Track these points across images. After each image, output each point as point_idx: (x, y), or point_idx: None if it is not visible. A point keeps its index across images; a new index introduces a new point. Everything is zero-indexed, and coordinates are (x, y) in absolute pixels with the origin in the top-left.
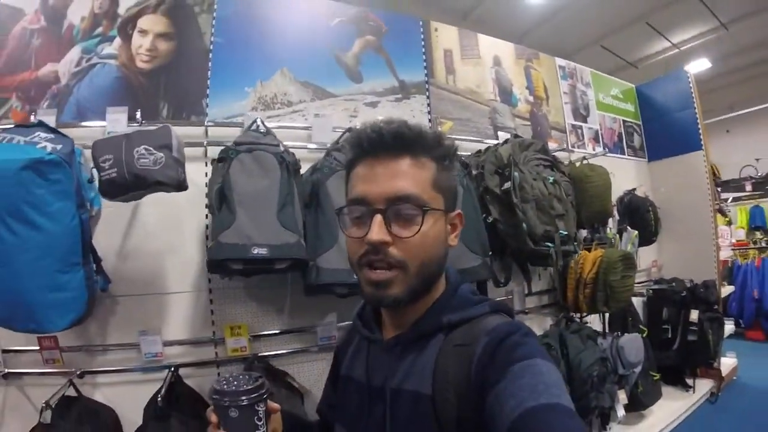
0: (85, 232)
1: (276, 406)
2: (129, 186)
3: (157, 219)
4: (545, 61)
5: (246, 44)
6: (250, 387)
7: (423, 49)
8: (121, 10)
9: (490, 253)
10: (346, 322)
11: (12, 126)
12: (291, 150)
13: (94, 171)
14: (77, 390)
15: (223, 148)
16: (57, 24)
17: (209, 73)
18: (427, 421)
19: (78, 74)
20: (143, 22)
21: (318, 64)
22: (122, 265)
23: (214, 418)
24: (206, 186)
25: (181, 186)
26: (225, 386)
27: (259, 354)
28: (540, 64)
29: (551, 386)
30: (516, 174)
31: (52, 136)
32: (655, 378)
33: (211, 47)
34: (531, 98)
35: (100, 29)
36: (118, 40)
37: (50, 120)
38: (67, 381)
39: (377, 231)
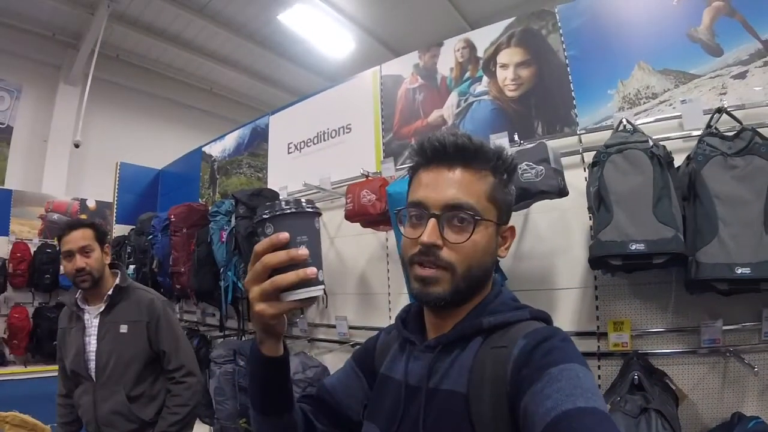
0: None
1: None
2: (517, 197)
3: (546, 224)
4: None
5: (598, 49)
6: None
7: None
8: (480, 53)
9: None
10: (737, 324)
11: None
12: (662, 143)
13: None
14: None
15: (595, 152)
16: (432, 79)
17: (572, 85)
18: (461, 420)
19: (460, 114)
20: (502, 57)
21: (672, 48)
22: (517, 265)
23: (284, 235)
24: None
25: (562, 192)
26: (283, 203)
27: (640, 351)
28: None
29: (587, 391)
30: None
31: None
32: None
33: (567, 61)
34: None
35: (468, 74)
36: (485, 78)
37: None
38: None
39: (430, 233)
